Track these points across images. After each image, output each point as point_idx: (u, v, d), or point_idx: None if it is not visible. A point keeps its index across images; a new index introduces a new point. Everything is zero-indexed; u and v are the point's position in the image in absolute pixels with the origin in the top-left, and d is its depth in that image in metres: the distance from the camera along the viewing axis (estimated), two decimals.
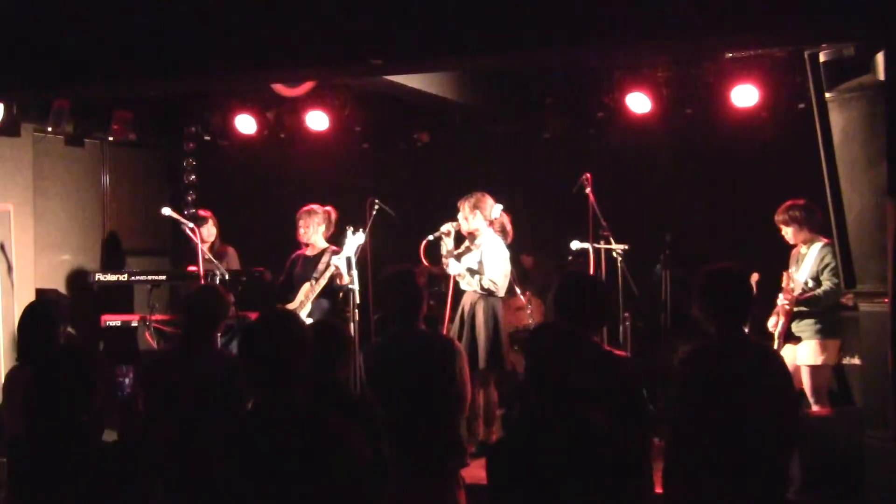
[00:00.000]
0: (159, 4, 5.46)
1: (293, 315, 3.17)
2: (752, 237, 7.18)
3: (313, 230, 7.32)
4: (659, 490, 3.89)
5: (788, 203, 6.32)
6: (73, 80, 5.83)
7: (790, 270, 6.30)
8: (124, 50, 5.49)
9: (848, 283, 5.22)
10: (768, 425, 3.71)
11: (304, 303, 7.21)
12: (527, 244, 8.59)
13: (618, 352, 4.07)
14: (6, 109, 7.28)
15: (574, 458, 2.95)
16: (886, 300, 4.70)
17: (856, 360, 6.41)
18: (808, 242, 6.28)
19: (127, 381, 4.22)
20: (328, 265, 7.08)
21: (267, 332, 3.02)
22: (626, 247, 7.09)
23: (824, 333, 6.14)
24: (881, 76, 4.74)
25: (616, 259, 7.08)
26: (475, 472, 4.30)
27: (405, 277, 4.45)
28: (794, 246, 6.42)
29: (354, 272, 6.96)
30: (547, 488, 2.95)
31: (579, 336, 3.24)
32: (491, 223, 6.86)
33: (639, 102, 7.43)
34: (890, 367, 4.57)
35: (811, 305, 6.13)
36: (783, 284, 6.20)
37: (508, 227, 6.99)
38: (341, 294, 7.15)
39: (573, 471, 2.94)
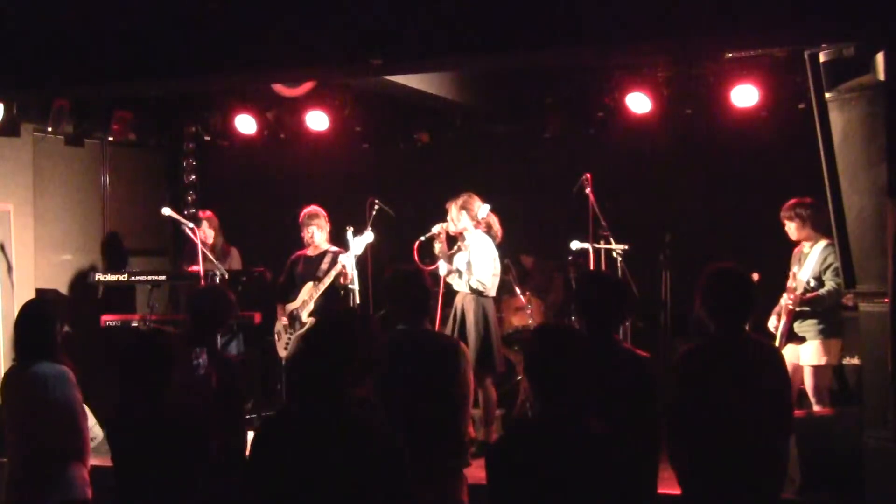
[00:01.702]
0: (159, 4, 5.46)
1: (359, 317, 3.20)
2: (753, 237, 7.18)
3: (324, 231, 7.33)
4: (661, 491, 3.89)
5: (796, 200, 6.32)
6: (73, 80, 5.83)
7: (793, 270, 6.30)
8: (124, 50, 5.50)
9: (848, 283, 5.22)
10: (767, 422, 3.73)
11: (307, 302, 7.22)
12: (527, 244, 8.59)
13: (639, 351, 4.04)
14: (6, 109, 7.27)
15: (572, 460, 2.94)
16: (886, 300, 4.71)
17: (856, 360, 6.42)
18: (811, 241, 6.29)
19: (200, 361, 4.41)
20: (333, 264, 7.09)
21: (332, 335, 3.04)
22: (626, 247, 7.09)
23: (827, 333, 6.14)
24: (881, 76, 4.74)
25: (616, 259, 7.08)
26: (475, 472, 4.30)
27: (413, 278, 4.47)
28: (796, 244, 6.43)
29: (354, 272, 6.97)
30: (546, 489, 2.94)
31: (581, 336, 3.24)
32: (478, 223, 6.86)
33: (639, 102, 7.43)
34: (890, 367, 4.57)
35: (814, 306, 6.13)
36: (788, 284, 6.20)
37: (496, 227, 6.96)
38: (342, 293, 7.16)
39: (572, 472, 2.94)
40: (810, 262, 6.24)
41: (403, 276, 4.50)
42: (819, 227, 6.24)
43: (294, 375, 3.06)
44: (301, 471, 2.89)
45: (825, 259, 6.14)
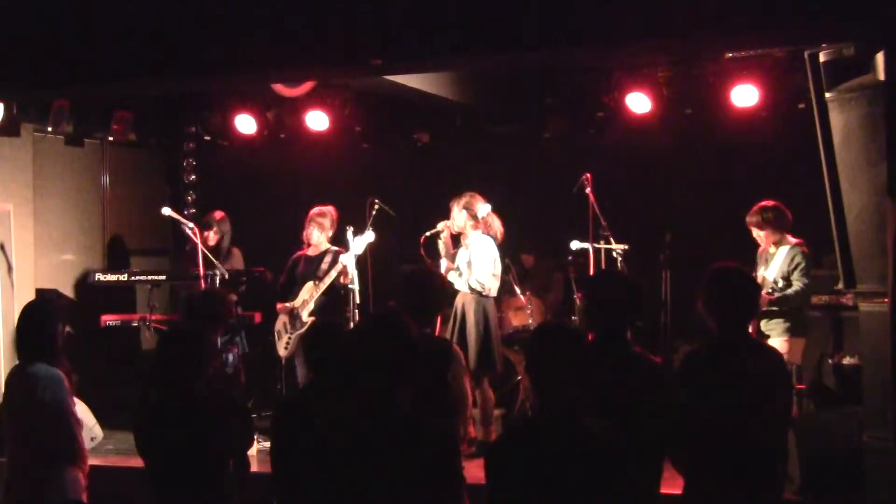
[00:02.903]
0: (159, 4, 5.46)
1: (402, 319, 3.27)
2: (752, 237, 7.18)
3: (325, 232, 7.33)
4: (661, 491, 3.88)
5: (760, 205, 6.36)
6: (73, 80, 5.83)
7: (759, 270, 6.33)
8: (124, 50, 5.49)
9: (848, 283, 5.22)
10: (767, 423, 3.73)
11: (307, 301, 7.22)
12: (527, 244, 8.59)
13: (652, 356, 4.01)
14: (6, 109, 7.27)
15: (571, 459, 2.94)
16: (886, 300, 4.71)
17: (856, 360, 6.41)
18: (778, 243, 6.32)
19: (231, 356, 4.50)
20: (334, 264, 7.09)
21: (377, 335, 3.11)
22: (626, 247, 7.09)
23: (791, 332, 6.21)
24: (881, 76, 4.74)
25: (616, 259, 7.08)
26: (475, 472, 4.30)
27: (435, 281, 4.44)
28: (759, 245, 6.45)
29: (355, 272, 6.97)
30: (544, 488, 2.94)
31: (580, 336, 3.24)
32: (476, 223, 6.85)
33: (639, 102, 7.42)
34: (890, 367, 4.57)
35: (782, 304, 6.18)
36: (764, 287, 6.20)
37: (495, 227, 6.91)
38: (342, 293, 7.16)
39: (570, 471, 2.93)
40: (777, 262, 6.29)
41: (422, 276, 4.47)
42: (785, 228, 6.29)
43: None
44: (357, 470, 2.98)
45: (793, 259, 6.22)
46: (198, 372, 3.87)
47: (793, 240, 6.29)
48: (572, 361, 3.04)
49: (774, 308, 6.17)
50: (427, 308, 4.36)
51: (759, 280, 6.23)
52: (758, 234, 6.40)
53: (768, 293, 6.16)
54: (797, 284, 6.17)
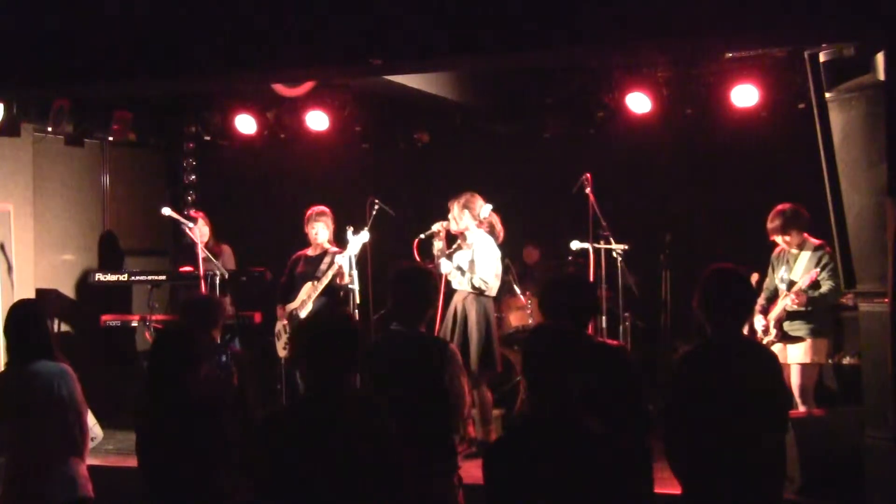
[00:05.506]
0: (159, 4, 5.46)
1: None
2: (753, 237, 7.18)
3: (328, 231, 7.33)
4: (658, 490, 3.89)
5: (777, 210, 6.22)
6: (73, 80, 5.83)
7: (781, 272, 6.28)
8: (124, 50, 5.50)
9: (848, 283, 5.22)
10: (764, 423, 3.74)
11: (305, 302, 7.23)
12: (531, 239, 8.59)
13: (610, 341, 4.05)
14: (6, 109, 7.27)
15: (569, 460, 2.94)
16: (886, 300, 4.71)
17: (856, 360, 6.40)
18: (801, 246, 6.26)
19: (224, 358, 4.52)
20: (331, 264, 7.10)
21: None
22: (626, 247, 7.09)
23: (816, 333, 6.13)
24: (881, 76, 4.75)
25: (616, 259, 7.08)
26: (474, 472, 4.30)
27: (422, 277, 4.41)
28: (775, 246, 6.39)
29: (355, 272, 6.97)
30: (542, 488, 2.94)
31: (577, 336, 3.24)
32: (480, 223, 6.84)
33: (639, 102, 7.43)
34: (890, 367, 4.57)
35: (815, 305, 6.11)
36: (790, 289, 6.14)
37: (498, 227, 6.91)
38: (342, 293, 7.17)
39: (569, 472, 2.93)
40: (801, 263, 6.21)
41: (409, 274, 4.44)
42: (806, 228, 6.23)
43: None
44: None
45: (821, 259, 6.12)
46: (190, 373, 3.87)
47: (815, 241, 6.18)
48: (569, 361, 3.03)
49: (803, 309, 6.07)
50: (416, 305, 4.33)
51: (782, 282, 6.18)
52: (782, 238, 6.24)
53: (799, 293, 6.06)
54: (829, 284, 6.05)
